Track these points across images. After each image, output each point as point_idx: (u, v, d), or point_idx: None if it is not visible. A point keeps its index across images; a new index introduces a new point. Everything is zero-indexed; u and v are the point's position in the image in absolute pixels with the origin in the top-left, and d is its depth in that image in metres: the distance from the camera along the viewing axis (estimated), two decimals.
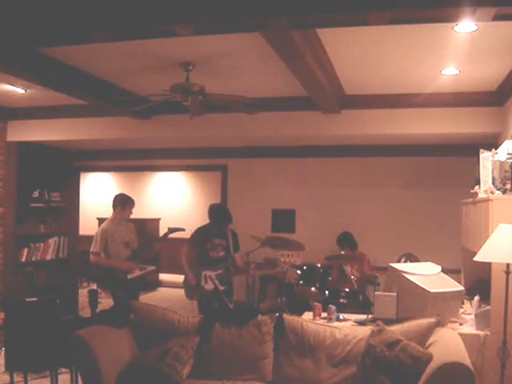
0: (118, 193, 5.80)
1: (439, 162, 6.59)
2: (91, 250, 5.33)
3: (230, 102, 4.96)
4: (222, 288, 5.33)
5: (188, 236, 5.74)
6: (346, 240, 6.15)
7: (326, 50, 4.11)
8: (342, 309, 4.55)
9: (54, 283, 7.10)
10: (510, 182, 3.68)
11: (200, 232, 5.69)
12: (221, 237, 5.59)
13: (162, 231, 10.37)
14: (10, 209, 6.58)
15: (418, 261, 5.05)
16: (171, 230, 5.48)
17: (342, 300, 5.35)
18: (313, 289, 5.63)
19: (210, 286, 5.33)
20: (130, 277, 5.33)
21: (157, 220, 10.70)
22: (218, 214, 5.66)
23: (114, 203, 5.56)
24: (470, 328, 3.77)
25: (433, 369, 2.86)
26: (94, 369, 3.29)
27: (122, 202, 5.54)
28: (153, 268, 5.73)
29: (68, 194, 7.64)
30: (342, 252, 6.06)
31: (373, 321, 3.71)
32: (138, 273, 5.39)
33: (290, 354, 3.51)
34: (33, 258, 6.93)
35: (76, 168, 7.89)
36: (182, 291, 5.69)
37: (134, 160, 7.96)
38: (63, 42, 3.73)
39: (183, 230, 5.53)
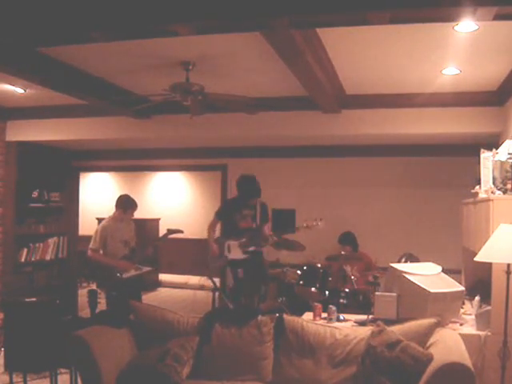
0: (122, 193, 5.83)
1: (439, 161, 6.59)
2: (90, 246, 5.40)
3: (230, 101, 4.95)
4: (243, 256, 5.30)
5: (188, 236, 5.74)
6: (349, 239, 6.18)
7: (327, 50, 4.10)
8: (342, 309, 4.54)
9: (53, 283, 7.09)
10: (510, 181, 3.68)
11: (228, 203, 5.67)
12: (249, 207, 5.52)
13: (162, 231, 10.38)
14: (9, 209, 6.57)
15: (418, 261, 5.04)
16: (170, 232, 5.50)
17: (342, 300, 5.34)
18: (313, 289, 5.62)
19: (233, 255, 5.32)
20: (125, 276, 5.34)
21: (156, 220, 10.69)
22: (246, 186, 5.47)
23: (116, 203, 5.59)
24: (470, 328, 3.77)
25: (433, 369, 2.85)
26: (94, 369, 3.28)
27: (124, 206, 5.56)
28: (148, 269, 5.72)
29: (67, 194, 7.63)
30: (342, 252, 6.06)
31: (373, 321, 3.70)
32: (133, 272, 5.41)
33: (290, 354, 3.50)
34: (32, 258, 6.92)
35: (75, 168, 7.88)
36: (181, 291, 5.70)
37: (133, 160, 7.96)
38: (62, 42, 3.72)
39: (181, 231, 5.53)
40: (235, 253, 5.34)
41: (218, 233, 5.82)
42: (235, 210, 5.53)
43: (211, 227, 5.68)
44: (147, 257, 5.72)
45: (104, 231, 5.39)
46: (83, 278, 9.71)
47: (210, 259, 5.57)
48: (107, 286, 5.33)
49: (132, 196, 5.72)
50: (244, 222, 5.52)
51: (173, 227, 5.62)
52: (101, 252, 5.37)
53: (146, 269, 5.62)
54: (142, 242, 5.81)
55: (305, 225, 5.38)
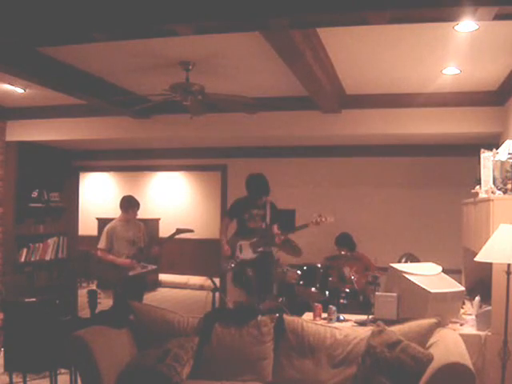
0: (124, 194, 5.97)
1: (440, 161, 6.58)
2: (98, 246, 5.63)
3: (230, 101, 4.94)
4: (253, 256, 5.34)
5: (189, 237, 5.74)
6: (345, 241, 6.13)
7: (327, 50, 4.10)
8: (343, 309, 4.54)
9: (53, 283, 7.09)
10: (511, 181, 3.67)
11: (238, 203, 5.67)
12: (259, 207, 5.53)
13: (162, 231, 10.41)
14: (9, 209, 6.56)
15: (418, 261, 5.04)
16: (179, 231, 5.54)
17: (342, 300, 5.33)
18: (313, 289, 5.61)
19: (244, 255, 5.36)
20: (131, 273, 5.48)
21: (156, 220, 10.69)
22: (255, 185, 5.52)
23: (119, 204, 5.76)
24: (470, 328, 3.76)
25: (433, 369, 2.85)
26: (94, 369, 3.28)
27: (125, 207, 5.73)
28: (154, 267, 5.84)
29: (67, 194, 7.62)
30: (342, 252, 6.04)
31: (373, 321, 3.69)
32: (139, 270, 5.56)
33: (290, 354, 3.50)
34: (32, 259, 6.91)
35: (75, 168, 7.87)
36: (181, 292, 5.69)
37: (133, 160, 7.95)
38: (62, 42, 3.72)
39: (192, 231, 5.56)
40: (246, 253, 5.38)
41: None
42: (244, 209, 5.55)
43: (223, 227, 5.71)
44: (154, 256, 5.83)
45: (110, 232, 5.59)
46: (84, 278, 9.72)
47: (223, 259, 5.60)
48: (114, 284, 5.44)
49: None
50: (253, 223, 5.53)
51: (181, 227, 5.67)
52: (111, 253, 5.53)
53: (152, 266, 5.76)
54: (147, 242, 5.88)
55: (314, 221, 5.45)
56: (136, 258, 5.55)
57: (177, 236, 5.57)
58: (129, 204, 5.73)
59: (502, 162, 3.73)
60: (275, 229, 5.58)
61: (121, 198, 5.86)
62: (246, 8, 2.92)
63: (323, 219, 5.42)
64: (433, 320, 3.30)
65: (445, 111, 5.39)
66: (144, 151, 7.58)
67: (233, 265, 5.43)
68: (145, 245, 5.72)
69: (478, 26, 3.38)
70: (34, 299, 4.46)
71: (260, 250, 5.43)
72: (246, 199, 5.60)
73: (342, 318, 4.01)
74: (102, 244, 5.58)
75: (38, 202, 7.07)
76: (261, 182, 5.53)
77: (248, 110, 5.53)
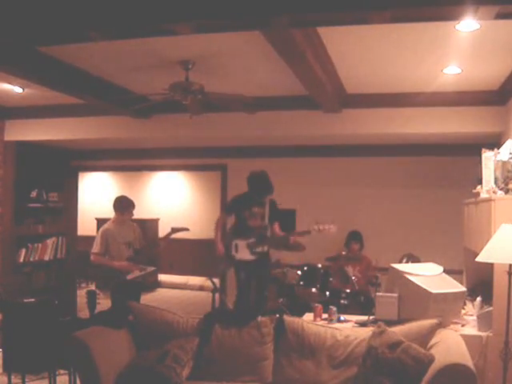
0: (118, 195, 5.74)
1: (441, 161, 6.57)
2: (92, 250, 5.34)
3: (230, 100, 4.93)
4: (251, 257, 5.13)
5: (188, 237, 5.70)
6: (360, 237, 6.13)
7: (327, 49, 4.08)
8: (343, 310, 4.53)
9: (52, 284, 7.07)
10: None
11: (237, 200, 5.44)
12: (259, 205, 5.31)
13: (161, 231, 10.39)
14: (7, 209, 6.54)
15: (419, 261, 5.02)
16: (174, 230, 5.40)
17: (342, 301, 5.32)
18: (313, 290, 5.60)
19: (240, 255, 5.16)
20: (129, 277, 5.30)
21: (156, 220, 10.67)
22: (258, 183, 5.28)
23: (113, 205, 5.53)
24: (472, 329, 3.75)
25: (434, 370, 2.83)
26: (93, 370, 3.26)
27: (120, 208, 5.48)
28: (153, 269, 5.64)
29: (66, 194, 7.60)
30: (343, 252, 6.04)
31: (374, 322, 3.68)
32: (137, 273, 5.36)
33: (291, 355, 3.49)
34: (31, 259, 6.90)
35: (74, 168, 7.86)
36: (181, 292, 5.64)
37: (133, 160, 7.93)
38: (61, 41, 3.70)
39: (187, 229, 5.44)
40: (243, 253, 5.14)
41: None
42: (245, 207, 5.31)
43: (218, 224, 5.47)
44: (158, 254, 5.58)
45: (105, 235, 5.33)
46: (84, 279, 9.69)
47: (219, 259, 5.40)
48: (111, 288, 5.30)
49: (131, 196, 5.68)
50: (253, 221, 5.29)
51: (177, 226, 5.54)
52: (106, 256, 5.29)
53: (151, 268, 5.54)
54: (148, 242, 5.70)
55: (316, 228, 5.16)
56: (133, 260, 5.35)
57: (173, 235, 5.44)
58: (124, 205, 5.46)
59: (504, 162, 3.73)
60: (277, 229, 5.37)
61: (114, 198, 5.57)
62: (246, 7, 2.91)
63: (326, 228, 5.12)
64: (434, 321, 3.29)
65: (446, 111, 5.37)
66: (144, 151, 7.57)
67: (223, 266, 5.25)
68: (140, 246, 5.55)
69: (479, 26, 3.36)
70: (32, 299, 4.46)
71: (258, 250, 5.22)
72: (247, 196, 5.36)
73: (342, 318, 3.99)
74: (96, 248, 5.28)
75: (36, 202, 7.05)
76: (266, 181, 5.29)
77: (248, 110, 5.52)
